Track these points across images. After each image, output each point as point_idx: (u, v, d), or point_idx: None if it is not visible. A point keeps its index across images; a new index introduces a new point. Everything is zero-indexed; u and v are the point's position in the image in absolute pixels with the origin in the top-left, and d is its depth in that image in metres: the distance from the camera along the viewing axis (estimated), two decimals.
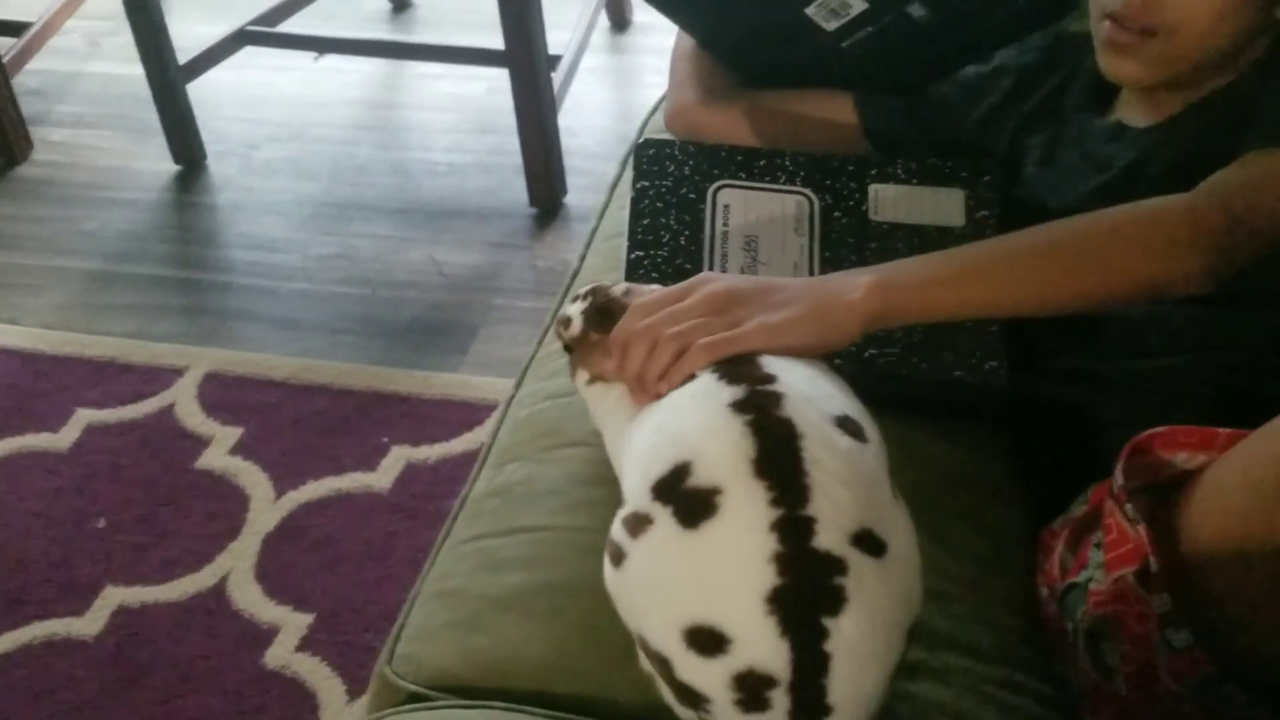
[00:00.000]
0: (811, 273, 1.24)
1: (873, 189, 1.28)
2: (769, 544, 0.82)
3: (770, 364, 0.92)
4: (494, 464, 1.23)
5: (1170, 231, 1.05)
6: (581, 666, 1.02)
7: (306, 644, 1.71)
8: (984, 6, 1.31)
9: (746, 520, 0.83)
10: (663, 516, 0.86)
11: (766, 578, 0.82)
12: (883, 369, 1.17)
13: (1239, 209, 1.07)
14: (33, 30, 2.74)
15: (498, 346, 2.14)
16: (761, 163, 1.30)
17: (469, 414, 2.00)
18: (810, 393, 0.90)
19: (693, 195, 1.28)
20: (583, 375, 1.07)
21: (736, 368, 0.92)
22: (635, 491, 0.90)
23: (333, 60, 2.88)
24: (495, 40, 2.29)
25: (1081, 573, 1.03)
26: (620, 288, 1.08)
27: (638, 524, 0.88)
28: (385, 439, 1.98)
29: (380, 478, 1.92)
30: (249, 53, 2.67)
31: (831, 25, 1.31)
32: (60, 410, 2.08)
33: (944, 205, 1.26)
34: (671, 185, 1.28)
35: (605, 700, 1.01)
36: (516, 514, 1.16)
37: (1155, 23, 1.16)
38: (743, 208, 1.27)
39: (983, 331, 1.19)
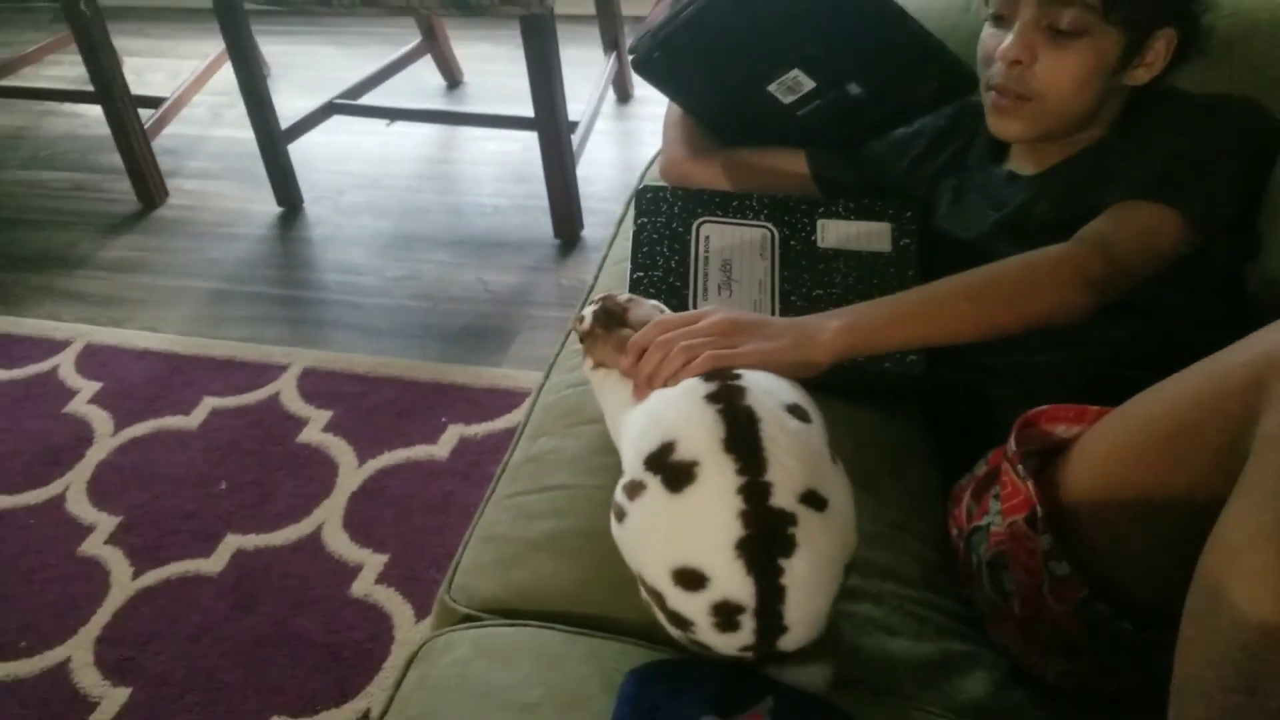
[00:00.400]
0: (773, 289, 1.24)
1: (820, 223, 1.28)
2: (736, 504, 0.84)
3: (734, 366, 0.93)
4: (528, 437, 1.23)
5: (1058, 276, 1.05)
6: (597, 594, 1.03)
7: (383, 578, 1.71)
8: (906, 88, 1.31)
9: (718, 486, 0.84)
10: (653, 483, 0.87)
11: (735, 530, 0.84)
12: None
13: (1112, 251, 1.06)
14: (167, 103, 2.74)
15: (531, 347, 2.14)
16: (734, 203, 1.30)
17: (510, 399, 2.00)
18: (768, 386, 0.91)
19: (681, 229, 1.28)
20: (589, 362, 1.07)
21: (709, 371, 0.92)
22: (632, 463, 0.91)
23: (401, 126, 2.88)
24: (527, 109, 2.29)
25: (984, 518, 1.03)
26: (624, 298, 1.08)
27: (634, 489, 0.89)
28: (444, 419, 1.98)
29: (440, 449, 1.92)
30: (336, 120, 2.67)
31: (788, 100, 1.32)
32: (191, 398, 2.08)
33: (875, 236, 1.26)
34: (665, 221, 1.29)
35: (615, 620, 1.01)
36: (546, 476, 1.16)
37: (1028, 90, 1.16)
38: (720, 238, 1.27)
39: None
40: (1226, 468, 0.74)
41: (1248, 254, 1.17)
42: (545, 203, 2.40)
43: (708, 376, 0.92)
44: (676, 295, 1.22)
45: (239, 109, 2.51)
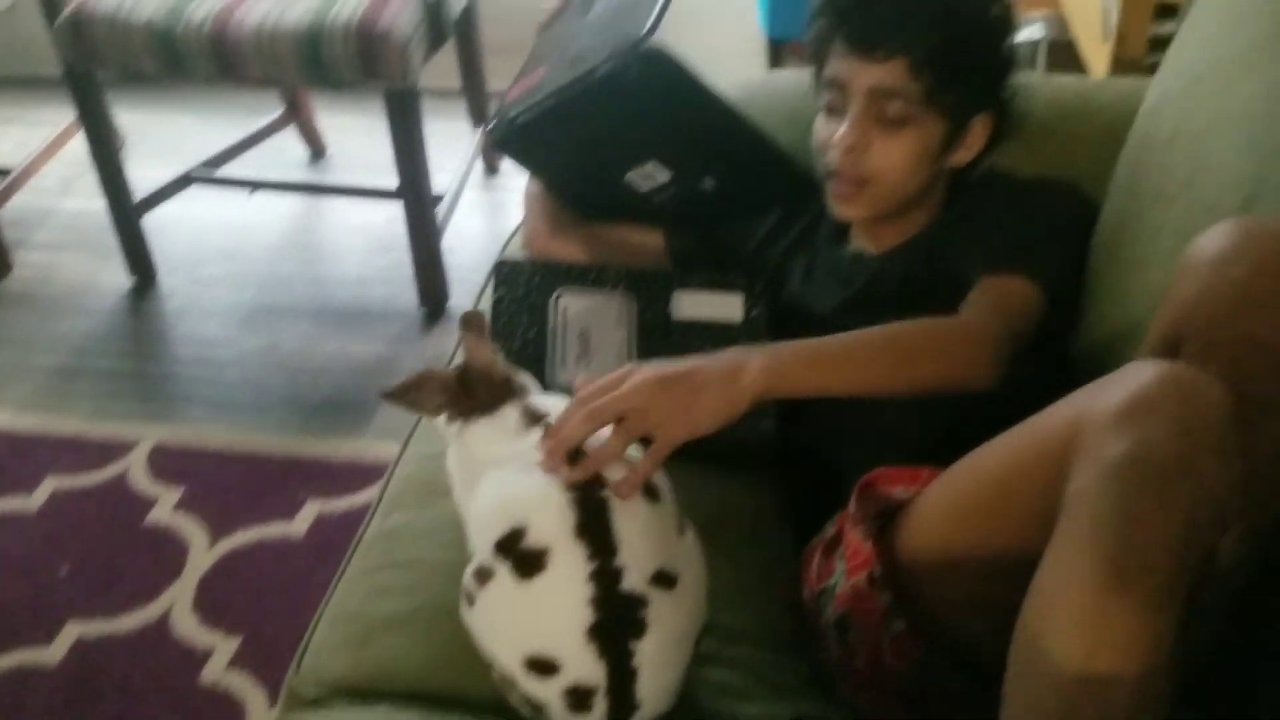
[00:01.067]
0: (630, 358, 1.24)
1: (675, 294, 1.29)
2: (587, 590, 0.84)
3: (588, 444, 0.91)
4: (383, 512, 1.21)
5: (970, 344, 1.07)
6: (450, 672, 1.00)
7: (236, 663, 1.64)
8: (756, 187, 1.35)
9: (569, 573, 0.84)
10: (503, 570, 0.86)
11: (586, 616, 0.84)
12: None
13: (1006, 322, 1.11)
14: (15, 173, 2.64)
15: (394, 419, 2.08)
16: (592, 275, 1.31)
17: (371, 473, 1.95)
18: (621, 467, 0.90)
19: (539, 301, 1.28)
20: (443, 418, 1.04)
21: None
22: (481, 548, 0.90)
23: (264, 197, 2.81)
24: (393, 180, 2.27)
25: (831, 579, 1.04)
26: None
27: (483, 575, 0.88)
28: (302, 495, 1.92)
29: (297, 526, 1.86)
30: (195, 191, 2.60)
31: (645, 188, 1.33)
32: (32, 478, 1.98)
33: (727, 306, 1.28)
34: (523, 294, 1.28)
35: (467, 699, 0.98)
36: (399, 551, 1.13)
37: (864, 174, 1.21)
38: (577, 310, 1.27)
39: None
40: (1046, 527, 0.76)
41: (1072, 323, 1.22)
42: (410, 273, 2.38)
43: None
44: (535, 367, 1.21)
45: (90, 179, 2.43)
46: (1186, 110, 1.15)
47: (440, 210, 2.37)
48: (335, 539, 1.83)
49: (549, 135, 1.30)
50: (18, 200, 2.68)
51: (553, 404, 0.99)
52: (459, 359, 1.05)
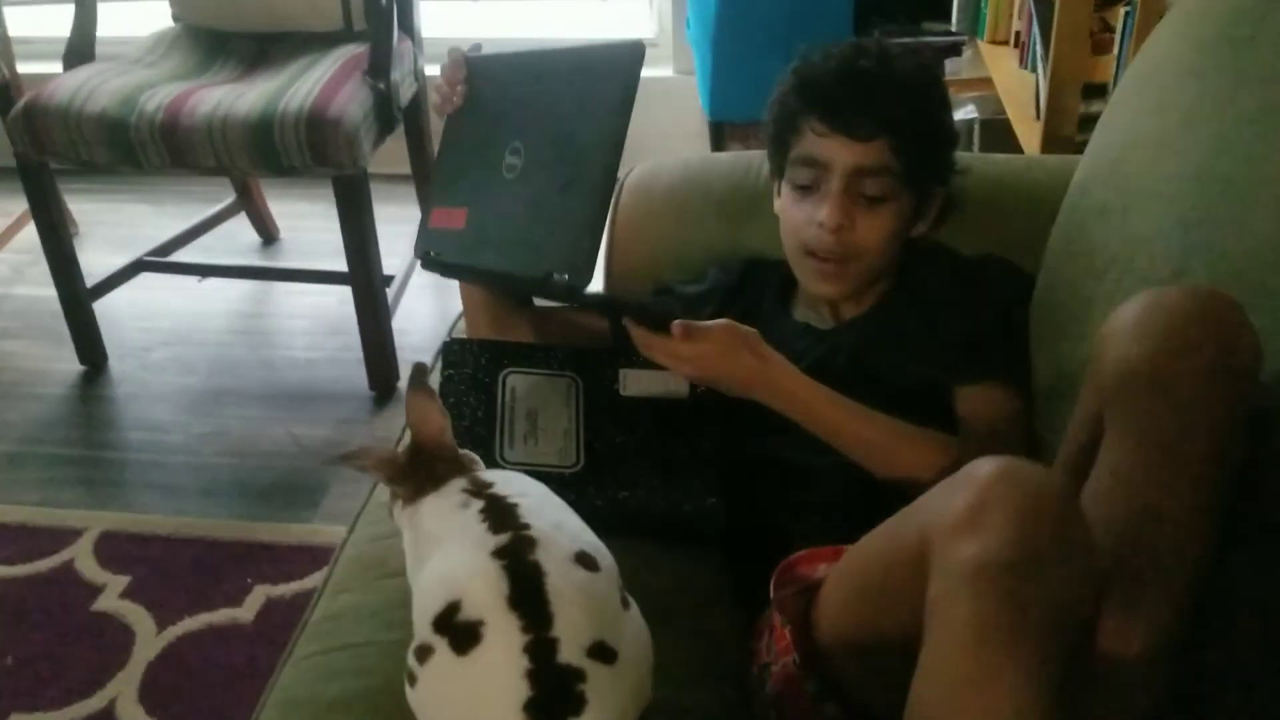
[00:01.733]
0: (578, 438, 1.24)
1: (622, 372, 1.30)
2: (523, 663, 0.82)
3: (526, 514, 0.91)
4: (329, 594, 1.19)
5: (946, 464, 1.10)
6: None
7: None
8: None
9: (504, 645, 0.83)
10: (441, 646, 0.85)
11: (522, 690, 0.82)
12: (632, 506, 1.19)
13: (1001, 444, 1.13)
14: None
15: (344, 501, 2.08)
16: (539, 354, 1.31)
17: (320, 556, 1.93)
18: (556, 537, 0.89)
19: (487, 379, 1.28)
20: (398, 505, 1.03)
21: (501, 519, 0.90)
22: (420, 625, 0.88)
23: (215, 282, 2.82)
24: (344, 264, 2.28)
25: (769, 656, 1.05)
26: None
27: (423, 653, 0.87)
28: (249, 580, 1.89)
29: (245, 611, 1.83)
30: (146, 277, 2.60)
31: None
32: None
33: (674, 381, 1.28)
34: (470, 373, 1.29)
35: None
36: (346, 633, 1.12)
37: (849, 252, 1.23)
38: (525, 389, 1.28)
39: (705, 475, 1.21)
40: (921, 618, 0.79)
41: None
42: (360, 354, 2.38)
43: (497, 529, 0.89)
44: (483, 445, 1.21)
45: (42, 266, 2.42)
46: (1113, 186, 1.19)
47: (390, 292, 2.38)
48: (284, 623, 1.80)
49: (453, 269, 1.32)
50: None
51: (498, 476, 0.99)
52: (406, 440, 1.05)
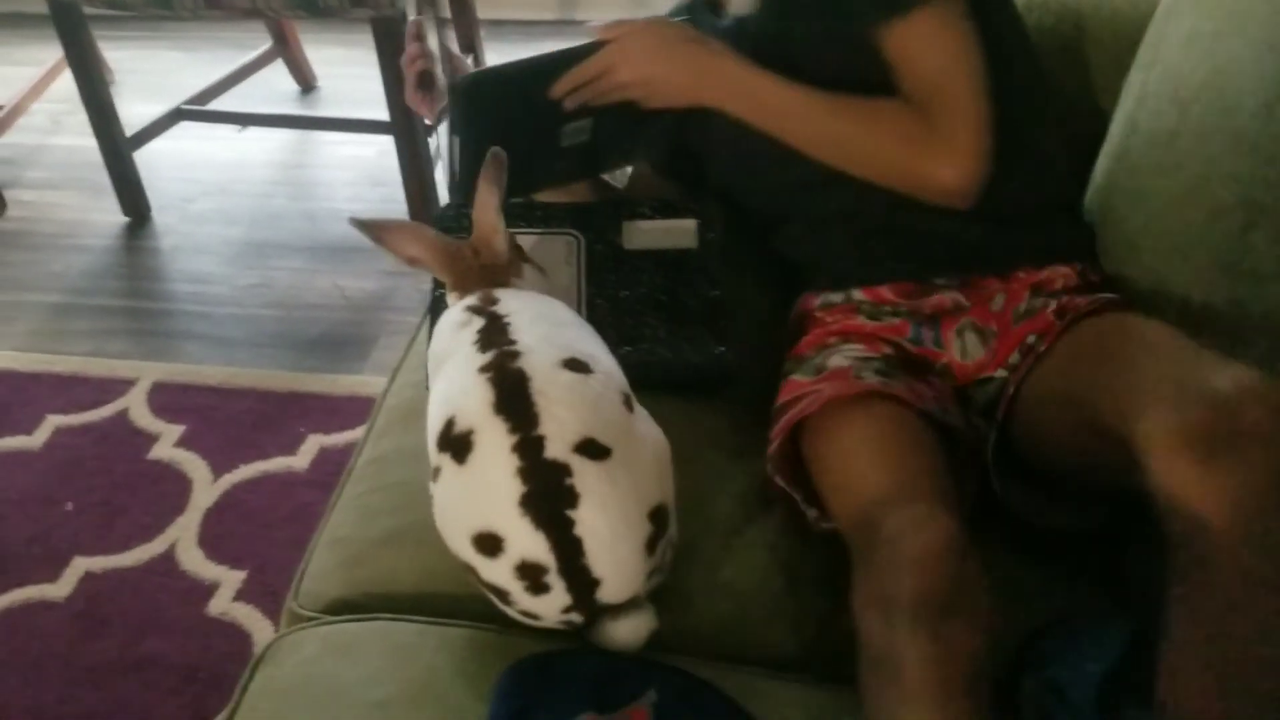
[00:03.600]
0: (581, 295, 1.23)
1: (625, 225, 1.27)
2: (513, 462, 0.86)
3: (516, 331, 0.94)
4: (374, 439, 1.24)
5: (943, 154, 1.08)
6: (442, 584, 1.03)
7: (242, 595, 1.67)
8: None
9: (494, 447, 0.87)
10: (445, 461, 0.90)
11: (515, 487, 0.86)
12: (636, 359, 1.16)
13: (977, 112, 1.08)
14: (3, 112, 2.63)
15: (392, 353, 2.06)
16: (539, 212, 1.29)
17: (370, 407, 1.93)
18: (542, 347, 0.92)
19: None
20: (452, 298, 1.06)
21: (490, 337, 0.94)
22: (430, 449, 0.94)
23: (254, 132, 2.81)
24: (383, 113, 2.26)
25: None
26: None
27: (435, 473, 0.92)
28: (302, 429, 1.94)
29: (299, 460, 1.88)
30: (185, 126, 2.59)
31: (583, 138, 1.25)
32: (33, 416, 1.99)
33: (681, 233, 1.26)
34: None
35: (462, 608, 1.01)
36: (388, 474, 1.16)
37: None
38: (526, 247, 1.23)
39: (713, 325, 1.20)
40: None
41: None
42: (403, 207, 2.37)
43: (484, 345, 0.93)
44: None
45: (80, 116, 2.42)
46: (1202, 10, 1.12)
47: (432, 141, 2.34)
48: (338, 471, 1.81)
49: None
50: (8, 139, 2.68)
51: (506, 293, 1.00)
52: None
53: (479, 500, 0.88)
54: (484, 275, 1.04)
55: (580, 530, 0.86)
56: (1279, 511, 0.77)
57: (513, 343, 0.92)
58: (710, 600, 1.01)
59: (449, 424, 0.89)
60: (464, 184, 1.22)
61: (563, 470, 0.85)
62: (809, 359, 1.16)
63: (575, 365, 0.91)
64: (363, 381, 2.03)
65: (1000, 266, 1.15)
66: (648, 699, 0.89)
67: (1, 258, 2.44)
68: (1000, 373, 1.12)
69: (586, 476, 0.86)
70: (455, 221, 1.28)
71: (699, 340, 1.19)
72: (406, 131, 2.26)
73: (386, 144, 2.33)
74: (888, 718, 0.83)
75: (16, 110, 2.69)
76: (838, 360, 1.12)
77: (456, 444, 0.88)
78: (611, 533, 0.87)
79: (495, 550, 0.87)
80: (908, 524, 0.88)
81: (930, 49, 1.08)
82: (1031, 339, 1.10)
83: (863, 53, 1.11)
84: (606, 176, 1.38)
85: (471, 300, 1.00)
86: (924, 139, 1.08)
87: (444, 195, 2.41)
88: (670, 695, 0.90)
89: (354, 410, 1.96)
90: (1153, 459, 0.80)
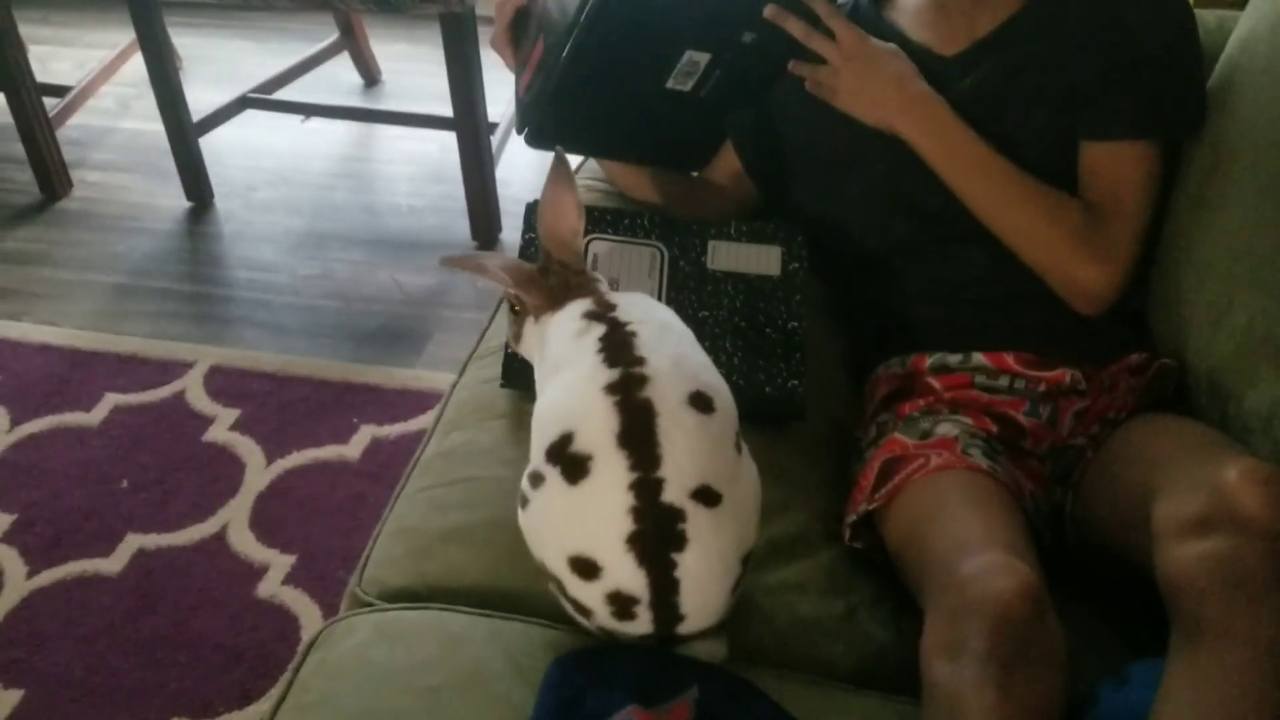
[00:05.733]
0: None
1: (711, 244, 1.28)
2: (628, 500, 0.87)
3: (643, 347, 0.92)
4: (441, 433, 1.26)
5: (1096, 261, 1.15)
6: (507, 582, 1.06)
7: (290, 579, 1.71)
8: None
9: (611, 481, 0.87)
10: (552, 474, 0.90)
11: (626, 525, 0.87)
12: None
13: (1137, 234, 1.17)
14: (73, 92, 2.70)
15: (446, 349, 2.15)
16: (625, 221, 1.29)
17: (423, 400, 2.01)
18: (672, 373, 0.91)
19: None
20: (528, 324, 1.06)
21: (618, 350, 0.92)
22: (535, 453, 0.93)
23: (316, 123, 2.87)
24: (446, 109, 2.30)
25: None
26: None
27: (536, 479, 0.92)
28: (355, 419, 1.98)
29: (351, 450, 1.92)
30: (249, 115, 2.66)
31: (689, 85, 1.30)
32: (92, 394, 2.05)
33: (765, 258, 1.27)
34: None
35: (523, 604, 1.04)
36: (458, 469, 1.18)
37: None
38: (608, 256, 1.27)
39: (789, 358, 1.22)
40: None
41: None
42: (463, 204, 2.42)
43: (612, 362, 0.92)
44: None
45: (148, 101, 2.49)
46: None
47: (494, 140, 2.39)
48: (389, 463, 1.89)
49: (577, 97, 1.27)
50: (76, 120, 2.75)
51: (623, 299, 1.00)
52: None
53: (585, 525, 0.88)
54: (575, 284, 1.02)
55: (680, 573, 0.87)
56: (1269, 595, 0.80)
57: (641, 361, 0.91)
58: (768, 617, 1.04)
59: (565, 438, 0.89)
60: (559, 91, 1.24)
61: (676, 515, 0.87)
62: (915, 420, 1.17)
63: (700, 403, 0.90)
64: (416, 375, 2.08)
65: (1111, 357, 1.19)
66: (690, 695, 0.91)
67: (66, 237, 2.52)
68: (1080, 440, 1.15)
69: (698, 523, 0.87)
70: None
71: (774, 372, 1.20)
72: (470, 129, 2.31)
73: (448, 141, 2.38)
74: None
75: (86, 92, 2.77)
76: (946, 428, 1.13)
77: (571, 463, 0.88)
78: (710, 577, 0.89)
79: (591, 575, 0.89)
80: (985, 569, 0.88)
81: (1132, 172, 1.17)
82: (1111, 414, 1.14)
83: (1062, 150, 1.19)
84: None
85: (586, 304, 0.98)
86: (1088, 239, 1.15)
87: (503, 193, 2.45)
88: (713, 692, 0.92)
89: (407, 403, 2.01)
90: (1159, 543, 0.85)
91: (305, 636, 1.62)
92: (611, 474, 0.87)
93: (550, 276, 1.02)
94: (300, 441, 1.94)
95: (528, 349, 1.06)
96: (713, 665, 0.95)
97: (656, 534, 0.87)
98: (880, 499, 1.08)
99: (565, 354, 0.96)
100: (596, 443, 0.88)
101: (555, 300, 1.01)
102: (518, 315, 1.07)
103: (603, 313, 0.96)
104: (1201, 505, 0.83)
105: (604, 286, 1.04)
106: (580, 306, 0.98)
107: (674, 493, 0.87)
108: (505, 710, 0.93)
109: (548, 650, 0.97)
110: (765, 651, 1.01)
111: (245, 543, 1.77)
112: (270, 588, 1.69)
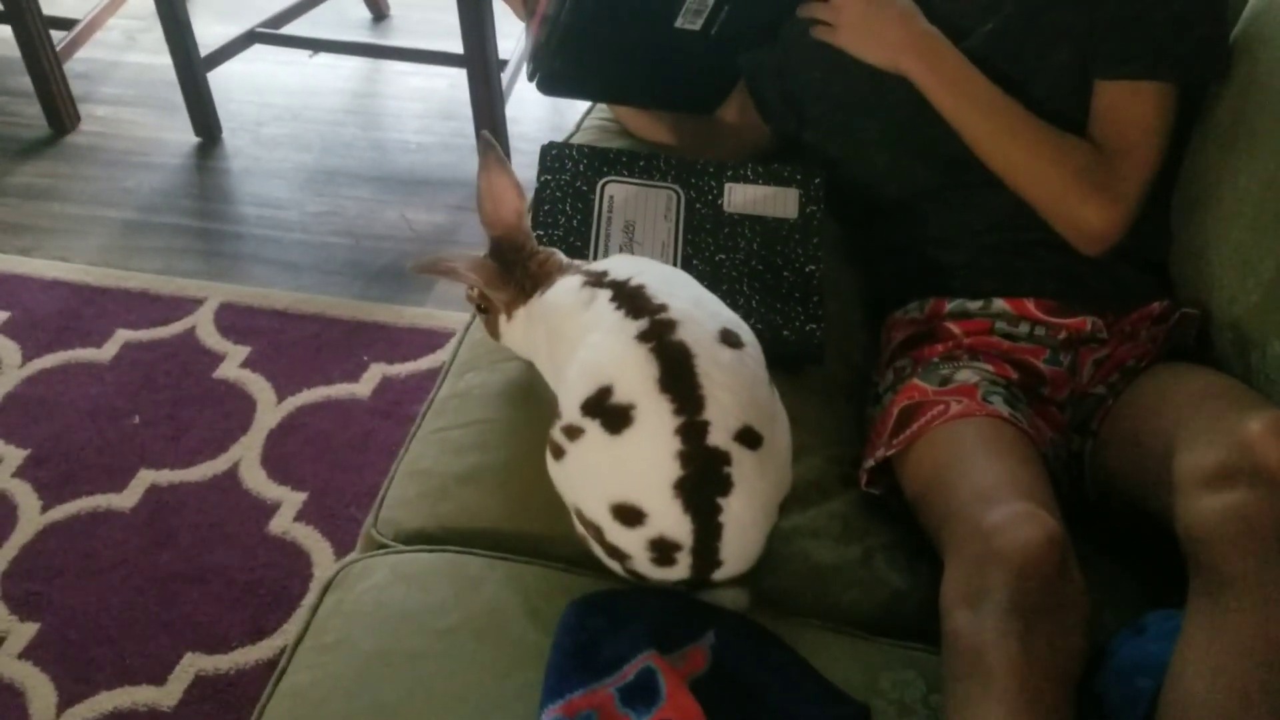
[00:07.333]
0: (676, 252, 1.22)
1: (728, 186, 1.25)
2: (674, 445, 0.86)
3: (658, 294, 0.91)
4: (455, 374, 1.24)
5: (1101, 201, 1.12)
6: (524, 523, 1.05)
7: (302, 516, 1.70)
8: None
9: (656, 427, 0.86)
10: (592, 427, 0.89)
11: (673, 470, 0.86)
12: None
13: (1144, 176, 1.13)
14: (80, 25, 2.65)
15: (455, 287, 2.10)
16: (641, 163, 1.27)
17: (432, 339, 1.99)
18: (696, 314, 0.90)
19: (585, 188, 1.24)
20: (501, 320, 1.06)
21: (636, 303, 0.91)
22: (569, 409, 0.92)
23: (325, 58, 2.82)
24: (456, 45, 2.26)
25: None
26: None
27: (573, 432, 0.91)
28: (366, 357, 1.96)
29: (362, 388, 1.91)
30: (257, 49, 2.61)
31: (699, 24, 1.27)
32: (103, 330, 2.03)
33: (782, 201, 1.25)
34: (569, 179, 1.24)
35: (541, 546, 1.03)
36: (472, 410, 1.17)
37: None
38: (624, 199, 1.24)
39: (807, 301, 1.20)
40: None
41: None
42: (472, 141, 2.37)
43: (635, 314, 0.90)
44: (576, 255, 1.18)
45: (155, 34, 2.44)
46: None
47: (504, 77, 2.35)
48: (400, 400, 1.87)
49: (586, 39, 1.24)
50: (84, 54, 2.70)
51: (606, 263, 1.00)
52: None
53: (630, 473, 0.87)
54: (537, 270, 1.02)
55: (725, 517, 0.87)
56: None
57: (664, 308, 0.90)
58: (784, 563, 1.02)
59: (603, 391, 0.87)
60: (567, 35, 1.21)
61: (723, 459, 0.86)
62: (934, 365, 1.15)
63: (731, 340, 0.89)
64: (427, 314, 2.05)
65: (1132, 305, 1.17)
66: (706, 640, 0.91)
67: (75, 171, 2.49)
68: (1100, 389, 1.13)
69: (744, 465, 0.86)
70: (558, 162, 1.25)
71: (791, 315, 1.19)
72: (480, 65, 2.26)
73: (458, 77, 2.34)
74: (968, 712, 0.82)
75: (93, 25, 2.71)
76: (966, 375, 1.11)
77: (612, 414, 0.87)
78: (752, 521, 0.89)
79: (635, 522, 0.88)
80: (1009, 518, 0.86)
81: (1143, 113, 1.14)
82: (1131, 362, 1.12)
83: (1074, 90, 1.16)
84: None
85: (575, 278, 0.98)
86: (1093, 178, 1.12)
87: (512, 131, 2.42)
88: (728, 638, 0.92)
89: (416, 341, 1.99)
90: (1179, 494, 0.83)
91: (317, 573, 1.62)
92: (658, 418, 0.86)
93: (515, 269, 1.02)
94: (311, 379, 1.92)
95: (514, 344, 1.07)
96: (728, 611, 0.94)
97: (703, 478, 0.86)
98: (899, 444, 1.07)
99: (580, 325, 0.94)
100: (637, 391, 0.87)
101: (526, 292, 1.02)
102: (487, 314, 1.07)
103: (598, 278, 0.96)
104: (1223, 457, 0.82)
105: (567, 259, 1.04)
106: (571, 281, 0.98)
107: (719, 435, 0.86)
108: (521, 653, 0.92)
109: (564, 594, 0.96)
110: (781, 598, 1.00)
111: (257, 480, 1.76)
112: (283, 524, 1.69)
